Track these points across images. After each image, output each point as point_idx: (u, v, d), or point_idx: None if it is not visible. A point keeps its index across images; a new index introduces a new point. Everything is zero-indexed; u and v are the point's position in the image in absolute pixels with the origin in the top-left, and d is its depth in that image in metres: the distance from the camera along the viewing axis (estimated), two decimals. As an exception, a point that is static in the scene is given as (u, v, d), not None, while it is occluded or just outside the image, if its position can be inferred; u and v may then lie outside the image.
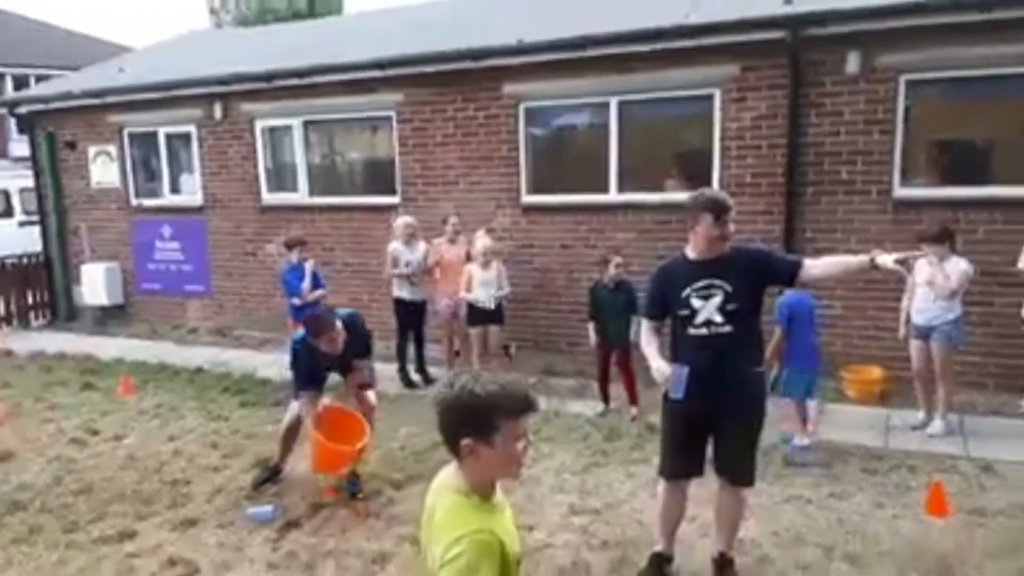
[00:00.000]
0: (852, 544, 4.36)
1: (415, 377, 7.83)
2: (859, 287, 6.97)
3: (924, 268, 5.83)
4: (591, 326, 6.70)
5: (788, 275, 3.78)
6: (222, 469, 5.77)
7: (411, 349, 7.91)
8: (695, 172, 7.69)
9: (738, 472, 3.82)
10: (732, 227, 3.68)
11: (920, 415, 6.15)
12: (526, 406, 1.92)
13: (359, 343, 5.40)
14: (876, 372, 6.87)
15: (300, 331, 5.28)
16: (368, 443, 5.17)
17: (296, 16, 22.98)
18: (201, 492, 5.35)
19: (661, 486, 4.03)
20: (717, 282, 3.65)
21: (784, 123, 7.08)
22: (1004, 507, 4.72)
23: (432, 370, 7.95)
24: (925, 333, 5.92)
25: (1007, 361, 6.51)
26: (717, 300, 3.64)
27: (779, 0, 7.06)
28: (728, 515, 3.95)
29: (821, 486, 5.12)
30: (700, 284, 3.68)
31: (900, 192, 6.90)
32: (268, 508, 4.96)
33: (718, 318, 3.65)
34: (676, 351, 3.83)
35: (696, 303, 3.68)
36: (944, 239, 5.80)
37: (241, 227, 10.30)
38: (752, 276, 3.68)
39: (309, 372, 5.27)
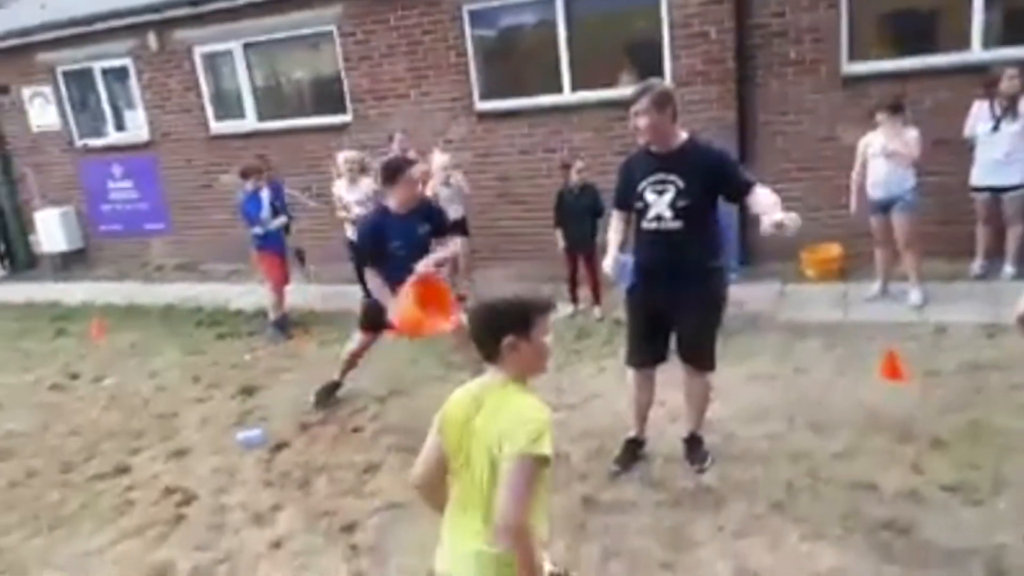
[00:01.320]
0: (814, 413, 4.61)
1: None
2: (813, 168, 7.10)
3: (878, 141, 5.98)
4: (558, 232, 6.79)
5: (736, 194, 3.72)
6: (207, 400, 5.89)
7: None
8: (647, 64, 7.62)
9: (698, 358, 3.96)
10: (645, 120, 3.61)
11: (875, 287, 6.40)
12: (550, 304, 2.22)
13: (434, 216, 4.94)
14: (835, 250, 7.07)
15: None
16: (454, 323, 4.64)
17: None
18: (189, 423, 5.48)
19: (629, 375, 4.21)
20: (671, 177, 3.66)
21: (731, 6, 7.02)
22: (956, 366, 5.00)
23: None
24: (885, 206, 6.09)
25: (959, 228, 6.70)
26: (669, 196, 3.66)
27: None
28: (695, 398, 4.14)
29: (783, 362, 5.37)
30: (654, 178, 3.70)
31: (848, 68, 6.95)
32: (257, 432, 5.11)
33: (668, 213, 3.68)
34: (635, 243, 3.91)
35: (649, 197, 3.72)
36: (900, 109, 5.94)
37: (192, 159, 10.11)
38: (707, 178, 3.65)
39: (375, 247, 4.75)
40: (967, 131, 6.36)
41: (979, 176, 6.40)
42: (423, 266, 4.66)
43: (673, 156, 3.69)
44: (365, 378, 5.81)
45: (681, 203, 3.65)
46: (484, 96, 8.41)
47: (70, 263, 11.24)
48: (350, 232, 7.43)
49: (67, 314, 8.82)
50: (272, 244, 7.30)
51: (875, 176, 6.07)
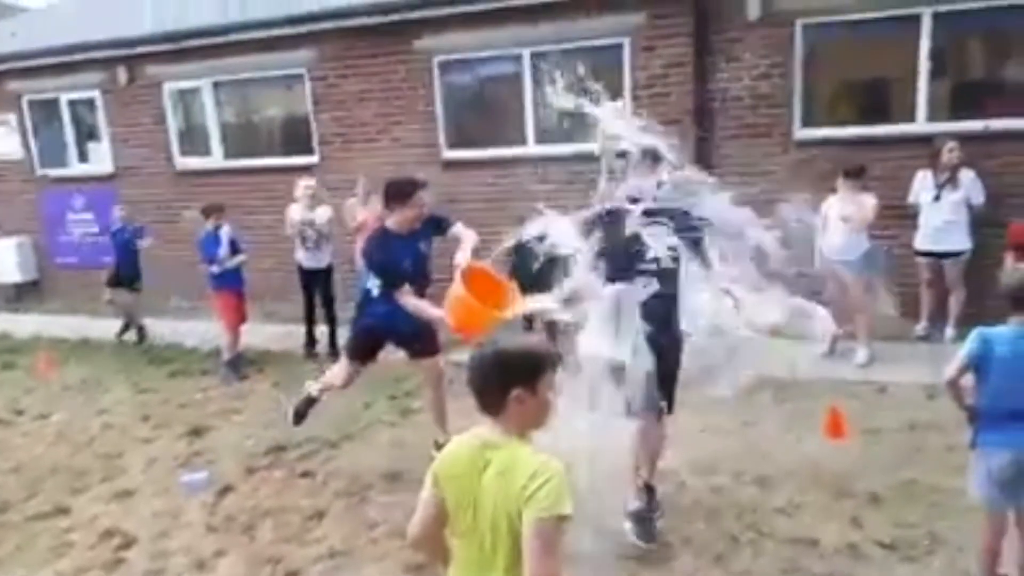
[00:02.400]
0: (760, 467, 4.70)
1: (318, 350, 7.58)
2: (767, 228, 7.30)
3: (835, 205, 6.24)
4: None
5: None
6: (154, 439, 5.81)
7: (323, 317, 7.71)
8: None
9: (667, 401, 4.04)
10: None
11: (824, 344, 6.56)
12: (558, 360, 2.17)
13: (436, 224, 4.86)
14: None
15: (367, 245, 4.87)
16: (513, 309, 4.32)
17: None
18: (135, 463, 5.39)
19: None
20: (661, 221, 3.88)
21: (692, 70, 7.29)
22: (895, 426, 5.15)
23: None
24: (838, 267, 6.30)
25: (905, 290, 6.91)
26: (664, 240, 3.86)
27: (683, -53, 7.20)
28: (650, 446, 4.14)
29: (735, 416, 5.46)
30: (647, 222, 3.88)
31: (800, 134, 7.22)
32: (202, 475, 5.03)
33: (663, 257, 3.86)
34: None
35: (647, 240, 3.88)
36: (858, 175, 6.23)
37: (155, 194, 10.05)
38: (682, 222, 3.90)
39: (395, 267, 4.61)
40: (911, 198, 6.65)
41: (922, 241, 6.66)
42: (463, 258, 4.47)
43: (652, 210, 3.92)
44: (316, 421, 5.77)
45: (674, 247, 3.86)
46: (451, 145, 8.55)
47: (24, 294, 11.03)
48: (296, 253, 7.49)
49: (16, 347, 8.64)
50: (228, 283, 7.29)
51: (831, 239, 6.29)
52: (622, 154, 3.99)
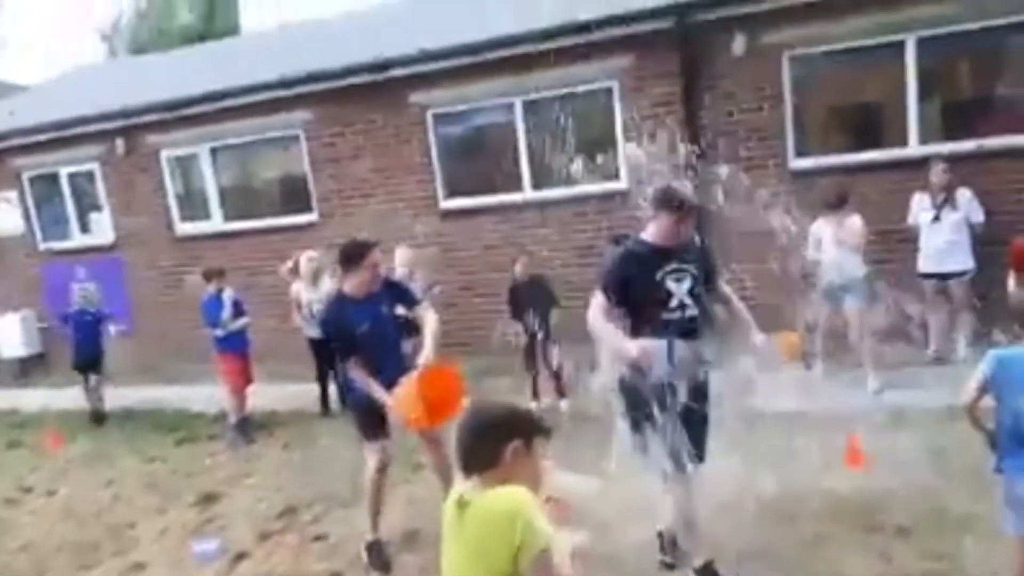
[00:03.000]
0: (780, 502, 4.60)
1: (333, 407, 7.53)
2: (766, 259, 7.30)
3: (827, 231, 6.27)
4: (519, 325, 6.87)
5: (708, 283, 3.91)
6: (165, 510, 5.72)
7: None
8: (604, 163, 7.93)
9: (702, 449, 3.95)
10: (689, 222, 3.79)
11: (817, 369, 6.62)
12: (549, 430, 2.21)
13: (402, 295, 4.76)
14: (794, 337, 7.19)
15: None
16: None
17: (195, 38, 22.45)
18: (145, 535, 5.30)
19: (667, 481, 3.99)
20: (685, 266, 3.80)
21: (681, 109, 7.36)
22: (914, 452, 5.05)
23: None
24: (838, 293, 6.32)
25: (910, 313, 6.88)
26: (687, 285, 3.79)
27: (665, -11, 7.33)
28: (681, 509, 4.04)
29: (749, 451, 5.37)
30: (671, 267, 3.79)
31: (795, 163, 7.26)
32: (214, 544, 4.94)
33: (688, 300, 3.80)
34: (642, 335, 3.81)
35: (671, 286, 3.79)
36: (843, 201, 6.29)
37: (157, 261, 10.11)
38: (705, 262, 3.91)
39: (342, 336, 4.46)
40: (910, 219, 6.66)
41: (925, 263, 6.65)
42: (424, 360, 4.39)
43: (684, 248, 3.84)
44: (326, 481, 5.71)
45: (697, 290, 3.82)
46: (448, 194, 8.60)
47: (30, 367, 11.01)
48: (307, 329, 7.46)
49: (24, 421, 8.60)
50: (232, 346, 7.28)
51: (828, 263, 6.32)
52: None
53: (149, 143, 9.79)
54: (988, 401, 3.27)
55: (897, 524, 4.19)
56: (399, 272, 7.28)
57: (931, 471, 4.75)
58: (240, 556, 4.81)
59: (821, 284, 6.42)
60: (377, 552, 4.55)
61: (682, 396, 3.82)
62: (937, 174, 6.41)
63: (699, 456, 3.93)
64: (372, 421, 4.56)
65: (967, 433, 5.00)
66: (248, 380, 7.43)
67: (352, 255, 4.54)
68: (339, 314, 4.54)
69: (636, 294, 3.83)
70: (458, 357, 8.15)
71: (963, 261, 6.49)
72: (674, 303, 3.79)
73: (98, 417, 8.31)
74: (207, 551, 4.86)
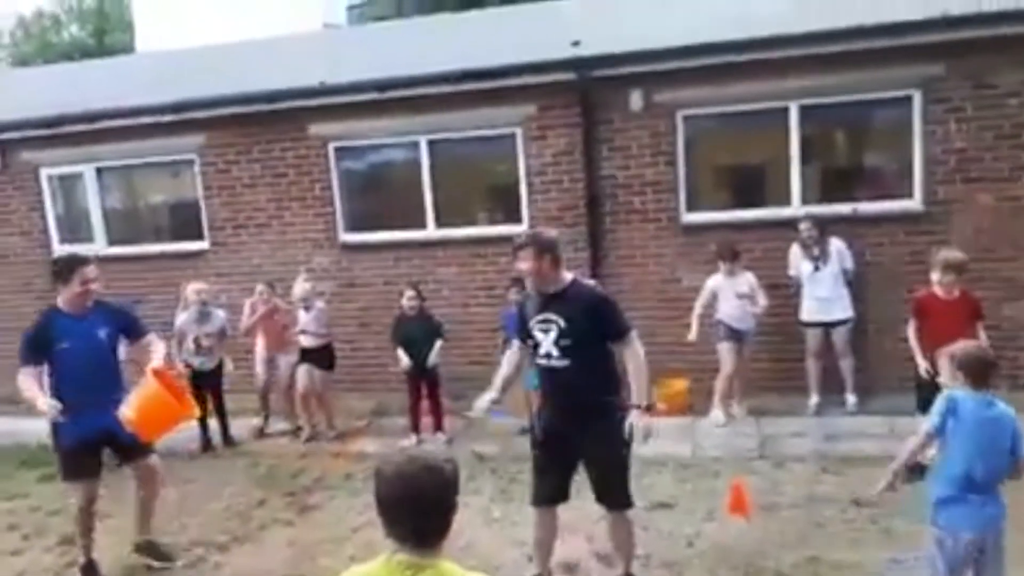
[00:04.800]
0: (667, 551, 4.70)
1: (216, 440, 7.35)
2: (660, 305, 7.55)
3: (727, 283, 6.79)
4: (399, 351, 6.95)
5: (611, 336, 3.92)
6: (24, 551, 5.31)
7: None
8: (506, 206, 8.05)
9: (610, 496, 4.00)
10: (529, 264, 3.84)
11: (719, 415, 6.91)
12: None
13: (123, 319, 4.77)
14: (682, 384, 7.43)
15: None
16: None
17: (84, 54, 21.49)
18: (-5, 585, 4.88)
19: (533, 513, 4.19)
20: (553, 316, 3.83)
21: (581, 159, 7.57)
22: (794, 500, 5.28)
23: (239, 429, 7.57)
24: (739, 337, 6.85)
25: (794, 365, 7.22)
26: (552, 335, 3.84)
27: (568, 42, 7.56)
28: (619, 540, 4.15)
29: (639, 498, 5.46)
30: (540, 317, 3.88)
31: (687, 218, 7.57)
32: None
33: (554, 351, 3.84)
34: (535, 381, 4.14)
35: (538, 335, 3.89)
36: (736, 257, 6.83)
37: (30, 284, 9.46)
38: (587, 318, 3.82)
39: (34, 346, 4.48)
40: (791, 271, 7.04)
41: (809, 312, 6.98)
42: (157, 363, 4.56)
43: (555, 297, 3.89)
44: (203, 523, 5.44)
45: (564, 342, 3.81)
46: (349, 228, 8.49)
47: None
48: (197, 363, 7.24)
49: None
50: None
51: (733, 311, 6.80)
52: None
53: (27, 159, 9.23)
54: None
55: (776, 571, 4.34)
56: (297, 301, 7.18)
57: (807, 520, 4.98)
58: (103, 604, 4.50)
59: (727, 327, 6.84)
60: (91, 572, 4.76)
61: (562, 439, 3.94)
62: (807, 230, 6.82)
63: (607, 501, 4.02)
64: (74, 461, 4.56)
65: (840, 485, 5.35)
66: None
67: (63, 269, 4.56)
68: (44, 324, 4.56)
69: (522, 338, 4.05)
70: (354, 395, 8.05)
71: (845, 309, 6.87)
72: (541, 351, 3.91)
73: None
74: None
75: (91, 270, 4.54)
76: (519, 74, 7.49)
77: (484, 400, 4.06)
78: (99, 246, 9.24)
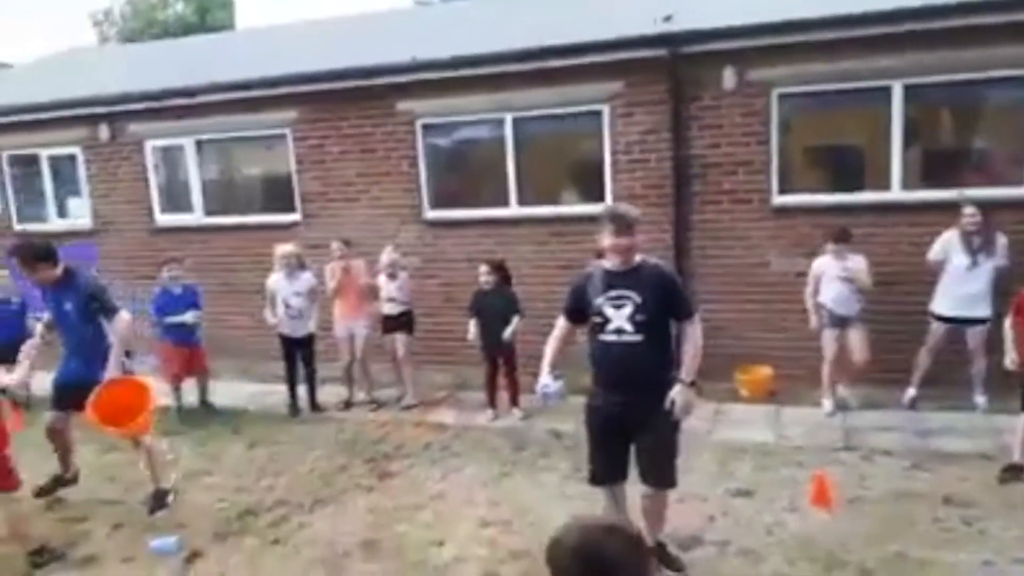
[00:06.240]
0: (745, 538, 4.61)
1: (302, 406, 7.60)
2: (745, 292, 7.37)
3: (833, 265, 6.44)
4: (472, 323, 7.11)
5: (676, 315, 3.99)
6: (121, 502, 5.61)
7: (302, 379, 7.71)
8: (589, 185, 7.97)
9: (660, 474, 4.01)
10: (631, 240, 3.85)
11: (828, 404, 6.66)
12: None
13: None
14: (767, 371, 7.26)
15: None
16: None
17: (186, 31, 22.32)
18: (100, 528, 5.19)
19: (601, 494, 4.23)
20: (628, 293, 3.86)
21: (669, 136, 7.41)
22: (881, 495, 5.09)
23: (328, 397, 7.81)
24: (841, 323, 6.51)
25: (888, 356, 6.88)
26: (627, 310, 3.85)
27: (659, 18, 7.39)
28: (653, 515, 4.15)
29: (716, 484, 5.39)
30: (613, 294, 3.89)
31: (778, 200, 7.32)
32: (171, 540, 4.85)
33: (628, 327, 3.86)
34: (594, 354, 4.05)
35: (609, 311, 3.89)
36: (846, 238, 6.46)
37: (134, 250, 9.97)
38: (659, 294, 3.88)
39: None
40: (931, 256, 6.42)
41: (948, 306, 6.40)
42: (111, 372, 5.09)
43: (630, 274, 3.90)
44: (288, 484, 5.63)
45: (639, 317, 3.84)
46: (434, 205, 8.59)
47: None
48: (287, 328, 7.46)
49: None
50: (171, 336, 7.54)
51: (835, 295, 6.49)
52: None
53: (133, 131, 9.68)
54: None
55: (859, 566, 4.20)
56: (383, 268, 7.40)
57: (896, 516, 4.79)
58: (195, 555, 4.73)
59: (829, 312, 6.55)
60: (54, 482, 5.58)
61: (617, 417, 3.97)
62: (970, 217, 6.16)
63: (656, 478, 4.01)
64: (55, 396, 5.52)
65: (930, 482, 5.13)
66: (186, 371, 7.61)
67: (34, 257, 5.19)
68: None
69: (587, 315, 4.03)
70: (436, 368, 8.19)
71: (986, 308, 6.22)
72: (611, 327, 3.90)
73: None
74: (164, 546, 4.77)
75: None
76: (607, 50, 7.38)
77: (542, 378, 4.14)
78: (197, 216, 9.65)
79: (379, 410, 7.51)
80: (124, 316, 5.22)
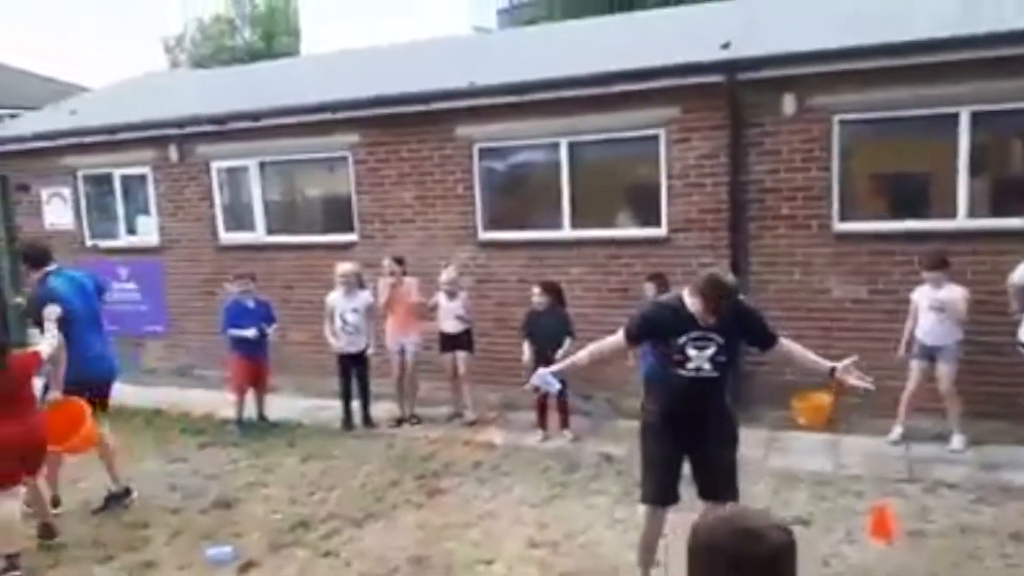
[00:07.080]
0: (802, 570, 4.49)
1: (356, 421, 7.76)
2: (805, 315, 7.24)
3: (926, 294, 6.27)
4: (525, 344, 7.19)
5: (761, 343, 4.18)
6: (181, 511, 5.76)
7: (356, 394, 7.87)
8: (645, 208, 7.97)
9: (730, 495, 4.03)
10: (723, 307, 3.86)
11: (897, 431, 6.50)
12: None
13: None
14: (825, 399, 7.10)
15: None
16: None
17: (253, 57, 23.08)
18: (159, 535, 5.33)
19: (643, 512, 4.21)
20: (711, 335, 3.93)
21: (726, 161, 7.37)
22: (944, 529, 4.93)
23: (380, 413, 7.92)
24: (932, 354, 6.31)
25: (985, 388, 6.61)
26: (710, 352, 3.94)
27: (717, 44, 7.39)
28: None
29: (772, 512, 5.28)
30: (695, 335, 3.93)
31: (840, 226, 7.20)
32: (227, 549, 4.97)
33: (707, 366, 3.95)
34: (661, 381, 4.11)
35: (691, 352, 3.95)
36: (941, 266, 6.25)
37: (198, 267, 10.29)
38: (740, 328, 4.03)
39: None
40: (1017, 279, 6.07)
41: None
42: (53, 395, 5.41)
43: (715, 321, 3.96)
44: (340, 498, 5.71)
45: (720, 358, 3.96)
46: (488, 226, 8.69)
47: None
48: (343, 343, 7.60)
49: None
50: (240, 349, 7.73)
51: (926, 325, 6.31)
52: None
53: (200, 153, 10.04)
54: None
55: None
56: (443, 285, 7.61)
57: (959, 550, 4.63)
58: (249, 565, 4.82)
59: (918, 342, 6.39)
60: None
61: (682, 444, 4.08)
62: None
63: (720, 492, 3.99)
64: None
65: (999, 518, 4.94)
66: (251, 384, 7.78)
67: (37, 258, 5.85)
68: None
69: (659, 346, 4.08)
70: (486, 388, 8.23)
71: None
72: (691, 365, 3.97)
73: None
74: (220, 555, 4.88)
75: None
76: (664, 76, 7.39)
77: (551, 377, 4.32)
78: (259, 234, 9.93)
79: (418, 425, 7.64)
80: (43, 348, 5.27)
